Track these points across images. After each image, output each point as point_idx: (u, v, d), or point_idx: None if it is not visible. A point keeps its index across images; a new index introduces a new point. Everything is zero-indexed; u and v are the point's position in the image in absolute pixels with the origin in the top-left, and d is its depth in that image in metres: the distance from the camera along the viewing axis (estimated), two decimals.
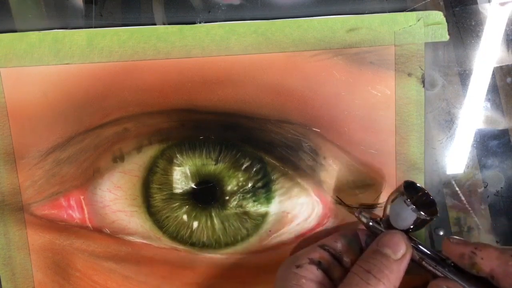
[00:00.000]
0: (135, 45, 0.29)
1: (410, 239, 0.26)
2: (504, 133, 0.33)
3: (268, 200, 0.31)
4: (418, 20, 0.30)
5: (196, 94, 0.30)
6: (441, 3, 0.30)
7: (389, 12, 0.30)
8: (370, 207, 0.31)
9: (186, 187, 0.31)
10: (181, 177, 0.31)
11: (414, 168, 0.32)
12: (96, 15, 0.29)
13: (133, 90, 0.29)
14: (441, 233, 0.33)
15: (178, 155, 0.30)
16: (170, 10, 0.29)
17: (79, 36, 0.29)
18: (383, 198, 0.32)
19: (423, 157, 0.32)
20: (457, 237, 0.26)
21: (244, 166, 0.31)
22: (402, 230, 0.26)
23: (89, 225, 0.31)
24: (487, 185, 0.33)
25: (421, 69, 0.31)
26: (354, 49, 0.30)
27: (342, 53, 0.30)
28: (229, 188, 0.31)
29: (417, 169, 0.32)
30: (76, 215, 0.30)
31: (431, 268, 0.25)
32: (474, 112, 0.32)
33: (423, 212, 0.26)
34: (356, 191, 0.31)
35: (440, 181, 0.33)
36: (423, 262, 0.26)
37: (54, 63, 0.29)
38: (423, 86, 0.31)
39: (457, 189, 0.33)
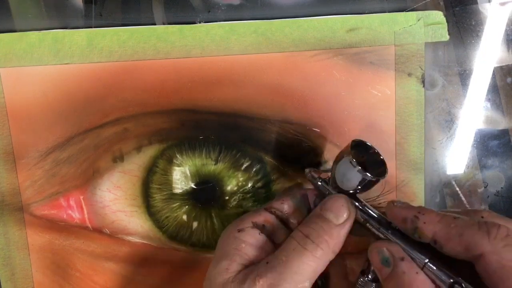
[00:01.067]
0: (135, 45, 0.29)
1: (357, 200, 0.26)
2: (504, 133, 0.33)
3: (268, 200, 0.31)
4: (418, 20, 0.30)
5: (196, 94, 0.30)
6: (441, 3, 0.30)
7: (389, 12, 0.30)
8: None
9: (186, 187, 0.31)
10: (181, 177, 0.31)
11: (414, 168, 0.32)
12: (96, 15, 0.29)
13: (133, 90, 0.29)
14: None
15: (178, 155, 0.30)
16: (170, 10, 0.29)
17: (79, 36, 0.29)
18: (383, 198, 0.32)
19: (423, 157, 0.32)
20: (401, 201, 0.25)
21: (244, 166, 0.31)
22: (350, 191, 0.25)
23: (89, 225, 0.31)
24: (487, 185, 0.33)
25: (421, 69, 0.31)
26: (354, 49, 0.30)
27: (342, 53, 0.30)
28: (229, 188, 0.31)
29: (417, 169, 0.32)
30: (75, 215, 0.30)
31: (374, 230, 0.24)
32: (474, 112, 0.32)
33: (370, 172, 0.24)
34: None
35: (440, 181, 0.33)
36: (367, 224, 0.25)
37: (54, 63, 0.29)
38: (423, 86, 0.31)
39: (457, 189, 0.33)
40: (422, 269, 0.22)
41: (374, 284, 0.24)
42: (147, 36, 0.29)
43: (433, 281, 0.21)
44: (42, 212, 0.30)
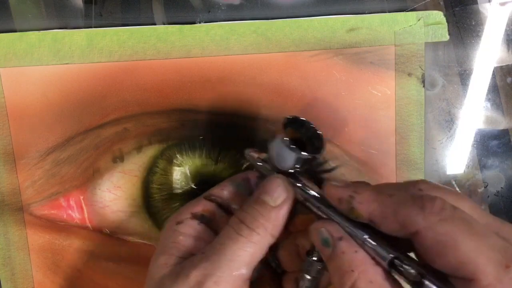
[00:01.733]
0: (135, 45, 0.29)
1: (296, 179, 0.24)
2: (504, 133, 0.33)
3: None
4: (418, 20, 0.30)
5: (196, 94, 0.30)
6: (441, 3, 0.30)
7: (389, 12, 0.30)
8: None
9: (186, 187, 0.31)
10: (181, 177, 0.31)
11: (414, 168, 0.32)
12: (95, 15, 0.29)
13: (133, 90, 0.29)
14: None
15: (178, 155, 0.30)
16: (170, 10, 0.29)
17: (79, 36, 0.29)
18: None
19: (423, 157, 0.32)
20: (338, 180, 0.24)
21: (244, 166, 0.31)
22: (288, 171, 0.24)
23: (89, 225, 0.31)
24: (487, 185, 0.33)
25: (421, 69, 0.31)
26: (354, 49, 0.30)
27: (342, 53, 0.30)
28: None
29: (417, 169, 0.32)
30: (75, 215, 0.30)
31: (315, 209, 0.23)
32: (474, 112, 0.32)
33: (308, 149, 0.23)
34: None
35: (440, 181, 0.33)
36: (307, 204, 0.24)
37: (53, 63, 0.29)
38: (423, 86, 0.31)
39: (457, 189, 0.33)
40: (361, 246, 0.21)
41: (319, 264, 0.23)
42: (147, 36, 0.29)
43: (374, 258, 0.20)
44: (42, 212, 0.30)
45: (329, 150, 0.31)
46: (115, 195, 0.30)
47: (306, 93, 0.30)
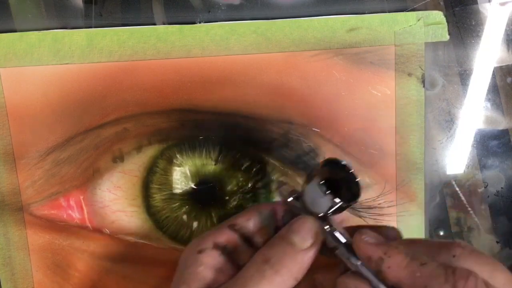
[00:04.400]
0: (135, 45, 0.29)
1: (328, 223, 0.23)
2: (504, 133, 0.33)
3: (268, 200, 0.31)
4: (418, 20, 0.30)
5: (196, 94, 0.30)
6: (441, 3, 0.30)
7: (389, 12, 0.30)
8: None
9: (186, 187, 0.31)
10: (181, 177, 0.31)
11: (414, 168, 0.32)
12: (95, 15, 0.29)
13: (133, 90, 0.29)
14: (441, 233, 0.33)
15: (178, 155, 0.30)
16: (170, 10, 0.29)
17: (79, 36, 0.29)
18: (383, 198, 0.32)
19: (423, 157, 0.32)
20: (371, 234, 0.22)
21: (244, 166, 0.31)
22: (319, 214, 0.23)
23: (89, 225, 0.31)
24: (487, 185, 0.33)
25: (421, 69, 0.31)
26: (354, 49, 0.30)
27: (342, 53, 0.30)
28: (229, 188, 0.31)
29: (417, 169, 0.32)
30: (75, 215, 0.30)
31: (344, 259, 0.22)
32: (474, 112, 0.32)
33: (343, 194, 0.22)
34: None
35: (440, 181, 0.33)
36: (336, 252, 0.23)
37: (53, 63, 0.29)
38: (423, 86, 0.31)
39: (457, 189, 0.33)
40: None
41: None
42: (147, 36, 0.29)
43: None
44: (42, 212, 0.30)
45: (329, 150, 0.31)
46: (115, 195, 0.30)
47: (306, 93, 0.30)
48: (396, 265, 0.20)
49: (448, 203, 0.33)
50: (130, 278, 0.32)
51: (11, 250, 0.31)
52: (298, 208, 0.24)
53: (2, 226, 0.30)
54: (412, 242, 0.22)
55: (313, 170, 0.24)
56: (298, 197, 0.25)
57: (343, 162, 0.24)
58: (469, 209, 0.33)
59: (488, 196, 0.33)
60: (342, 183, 0.23)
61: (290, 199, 0.25)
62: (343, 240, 0.23)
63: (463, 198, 0.33)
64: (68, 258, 0.31)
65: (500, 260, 0.34)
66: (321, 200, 0.23)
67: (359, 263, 0.22)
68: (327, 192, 0.22)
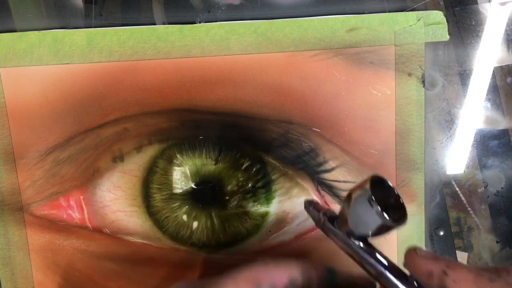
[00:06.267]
0: (135, 45, 0.29)
1: (369, 246, 0.22)
2: (504, 133, 0.33)
3: (268, 200, 0.31)
4: (418, 20, 0.30)
5: (196, 94, 0.30)
6: (441, 2, 0.30)
7: (389, 12, 0.30)
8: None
9: (186, 187, 0.31)
10: (181, 177, 0.31)
11: (414, 168, 0.32)
12: (95, 15, 0.29)
13: (133, 90, 0.29)
14: (441, 233, 0.33)
15: (178, 155, 0.30)
16: (170, 10, 0.29)
17: (79, 36, 0.29)
18: None
19: (423, 157, 0.32)
20: (425, 250, 0.21)
21: (244, 166, 0.31)
22: (360, 235, 0.21)
23: (89, 225, 0.31)
24: (487, 185, 0.33)
25: (421, 69, 0.31)
26: (354, 49, 0.30)
27: (342, 53, 0.30)
28: (229, 188, 0.31)
29: (417, 169, 0.32)
30: (75, 215, 0.30)
31: (391, 285, 0.20)
32: (474, 112, 0.32)
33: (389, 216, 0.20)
34: None
35: (440, 181, 0.33)
36: (380, 279, 0.20)
37: (53, 63, 0.29)
38: (423, 86, 0.31)
39: (457, 189, 0.33)
40: None
41: None
42: (147, 36, 0.29)
43: None
44: (42, 212, 0.30)
45: (329, 150, 0.31)
46: (115, 195, 0.30)
47: (306, 93, 0.30)
48: (462, 279, 0.19)
49: (448, 203, 0.33)
50: (130, 278, 0.32)
51: (11, 250, 0.31)
52: (334, 233, 0.22)
53: (2, 226, 0.30)
54: (480, 267, 0.20)
55: (359, 186, 0.21)
56: (332, 218, 0.22)
57: (390, 184, 0.21)
58: (469, 209, 0.33)
59: (488, 196, 0.33)
60: (387, 205, 0.21)
61: (323, 219, 0.23)
62: (388, 264, 0.21)
63: (463, 198, 0.33)
64: (68, 258, 0.31)
65: (500, 260, 0.34)
66: (370, 218, 0.20)
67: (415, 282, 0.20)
68: (380, 211, 0.20)
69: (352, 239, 0.22)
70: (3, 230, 0.30)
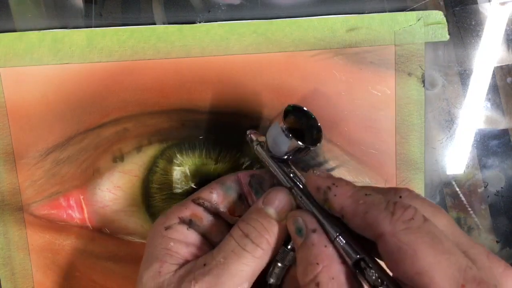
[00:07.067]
0: (135, 45, 0.29)
1: (287, 166, 0.25)
2: (504, 133, 0.33)
3: None
4: (418, 20, 0.30)
5: (196, 94, 0.30)
6: (441, 2, 0.30)
7: (389, 12, 0.30)
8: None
9: (186, 187, 0.31)
10: (181, 177, 0.31)
11: (414, 168, 0.32)
12: (96, 15, 0.29)
13: (133, 90, 0.29)
14: None
15: (178, 155, 0.30)
16: (170, 10, 0.29)
17: (79, 36, 0.29)
18: None
19: (423, 157, 0.32)
20: (322, 170, 0.23)
21: (244, 166, 0.31)
22: (282, 157, 0.25)
23: (89, 225, 0.31)
24: (487, 185, 0.33)
25: (421, 68, 0.31)
26: (354, 48, 0.30)
27: (342, 53, 0.30)
28: None
29: (417, 169, 0.32)
30: (76, 215, 0.30)
31: (297, 198, 0.24)
32: (474, 112, 0.32)
33: (306, 139, 0.24)
34: None
35: (440, 181, 0.33)
36: (292, 191, 0.24)
37: (53, 63, 0.29)
38: (423, 86, 0.31)
39: (457, 189, 0.33)
40: (332, 242, 0.21)
41: (292, 253, 0.23)
42: (147, 36, 0.29)
43: (341, 256, 0.21)
44: (42, 212, 0.30)
45: (329, 150, 0.31)
46: (115, 195, 0.30)
47: (306, 93, 0.30)
48: (342, 193, 0.21)
49: (448, 203, 0.33)
50: (130, 278, 0.32)
51: (11, 250, 0.31)
52: (261, 155, 0.26)
53: (2, 226, 0.30)
54: (365, 186, 0.23)
55: (277, 115, 0.25)
56: (262, 144, 0.26)
57: (305, 108, 0.25)
58: (469, 209, 0.33)
59: (488, 196, 0.33)
60: (305, 130, 0.25)
61: (256, 145, 0.26)
62: (299, 181, 0.24)
63: (463, 198, 0.33)
64: (68, 258, 0.31)
65: None
66: (282, 141, 0.24)
67: (310, 201, 0.23)
68: (289, 135, 0.23)
69: (272, 161, 0.25)
70: (3, 230, 0.30)
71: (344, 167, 0.31)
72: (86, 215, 0.30)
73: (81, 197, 0.30)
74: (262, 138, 0.27)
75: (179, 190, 0.31)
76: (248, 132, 0.27)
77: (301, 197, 0.23)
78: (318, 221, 0.22)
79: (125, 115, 0.29)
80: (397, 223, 0.19)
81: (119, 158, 0.30)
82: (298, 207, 0.24)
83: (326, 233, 0.21)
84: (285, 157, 0.25)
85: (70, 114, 0.29)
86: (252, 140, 0.27)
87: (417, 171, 0.32)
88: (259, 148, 0.26)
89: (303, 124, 0.26)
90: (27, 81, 0.29)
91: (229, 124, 0.30)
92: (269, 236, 0.23)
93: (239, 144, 0.30)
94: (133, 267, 0.31)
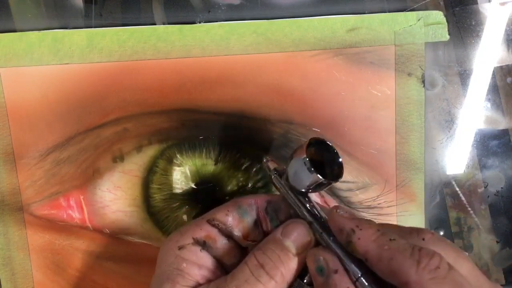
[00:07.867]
0: (135, 45, 0.29)
1: (306, 200, 0.25)
2: (504, 133, 0.33)
3: None
4: (418, 20, 0.30)
5: (196, 94, 0.30)
6: (441, 3, 0.30)
7: (389, 12, 0.30)
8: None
9: (186, 187, 0.31)
10: (181, 177, 0.31)
11: (414, 168, 0.32)
12: (95, 15, 0.29)
13: (133, 90, 0.29)
14: (442, 233, 0.33)
15: (178, 155, 0.30)
16: (170, 10, 0.29)
17: (79, 36, 0.29)
18: (383, 198, 0.32)
19: (423, 157, 0.32)
20: (345, 209, 0.23)
21: (244, 166, 0.31)
22: (301, 190, 0.24)
23: (89, 225, 0.31)
24: (487, 185, 0.33)
25: (421, 69, 0.31)
26: (354, 49, 0.30)
27: (342, 53, 0.30)
28: (229, 188, 0.31)
29: (417, 169, 0.32)
30: (76, 215, 0.30)
31: (317, 234, 0.23)
32: (474, 112, 0.32)
33: (327, 173, 0.24)
34: (356, 191, 0.31)
35: (440, 181, 0.33)
36: (311, 226, 0.24)
37: (53, 63, 0.29)
38: (423, 86, 0.31)
39: (457, 189, 0.33)
40: (354, 283, 0.21)
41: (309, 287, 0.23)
42: (147, 36, 0.29)
43: None
44: (42, 212, 0.30)
45: None
46: (115, 195, 0.30)
47: (306, 93, 0.30)
48: (366, 237, 0.21)
49: (448, 203, 0.33)
50: (130, 278, 0.32)
51: (11, 250, 0.31)
52: (280, 185, 0.25)
53: (2, 226, 0.30)
54: (384, 224, 0.23)
55: (299, 147, 0.24)
56: (282, 174, 0.26)
57: (328, 142, 0.25)
58: (469, 209, 0.33)
59: (488, 196, 0.33)
60: (326, 163, 0.25)
61: (273, 175, 0.26)
62: (320, 216, 0.24)
63: (463, 198, 0.33)
64: (68, 258, 0.31)
65: (500, 260, 0.34)
66: (304, 175, 0.24)
67: (331, 238, 0.23)
68: (312, 169, 0.23)
69: (291, 192, 0.25)
70: (3, 230, 0.30)
71: (344, 167, 0.31)
72: (86, 215, 0.30)
73: (81, 197, 0.30)
74: (279, 167, 0.26)
75: (179, 190, 0.31)
76: (264, 159, 0.27)
77: (321, 233, 0.23)
78: (339, 259, 0.22)
79: (125, 115, 0.29)
80: (423, 273, 0.19)
81: (119, 158, 0.30)
82: (317, 241, 0.23)
83: (347, 272, 0.21)
84: (304, 190, 0.24)
85: (70, 114, 0.29)
86: (269, 169, 0.26)
87: (417, 171, 0.32)
88: (277, 179, 0.26)
89: (324, 156, 0.25)
90: (27, 81, 0.29)
91: (229, 124, 0.30)
92: (284, 269, 0.23)
93: (239, 144, 0.30)
94: (133, 267, 0.31)
